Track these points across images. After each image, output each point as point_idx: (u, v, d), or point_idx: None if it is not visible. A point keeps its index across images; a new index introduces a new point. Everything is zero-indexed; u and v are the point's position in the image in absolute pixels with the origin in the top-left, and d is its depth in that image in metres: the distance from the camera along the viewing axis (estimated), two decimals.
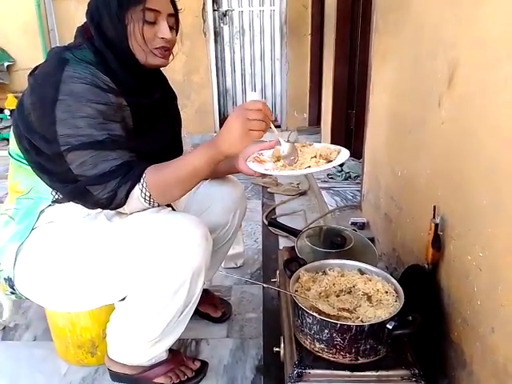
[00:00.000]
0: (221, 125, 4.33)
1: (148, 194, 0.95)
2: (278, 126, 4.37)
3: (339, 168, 2.46)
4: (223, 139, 0.95)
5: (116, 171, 0.93)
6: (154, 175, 0.96)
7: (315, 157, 1.02)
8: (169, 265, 0.95)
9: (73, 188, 0.96)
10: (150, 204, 0.98)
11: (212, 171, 1.03)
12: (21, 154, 1.01)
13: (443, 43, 1.02)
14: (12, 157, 1.05)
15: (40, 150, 0.96)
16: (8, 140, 3.80)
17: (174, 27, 1.04)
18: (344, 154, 1.04)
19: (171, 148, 1.15)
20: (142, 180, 0.95)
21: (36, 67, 1.01)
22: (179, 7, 1.05)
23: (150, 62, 1.01)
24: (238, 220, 1.37)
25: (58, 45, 4.04)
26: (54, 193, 1.03)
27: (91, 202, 0.97)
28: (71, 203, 1.03)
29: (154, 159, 0.99)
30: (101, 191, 0.94)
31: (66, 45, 1.02)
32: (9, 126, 4.03)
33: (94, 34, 0.97)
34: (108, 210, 1.03)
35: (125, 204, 0.96)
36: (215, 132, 4.30)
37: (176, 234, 0.96)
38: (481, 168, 0.86)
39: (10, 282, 1.06)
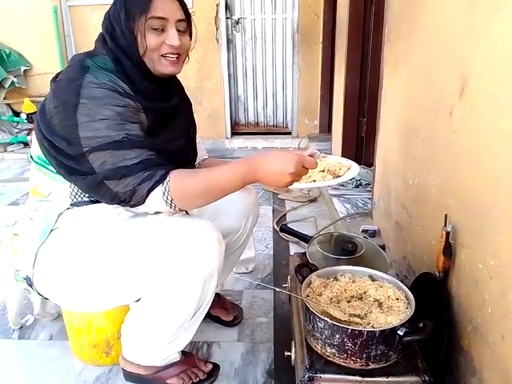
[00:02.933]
0: (232, 131, 4.37)
1: (170, 197, 0.94)
2: (288, 133, 4.40)
3: None
4: (266, 174, 0.92)
5: (135, 169, 0.93)
6: (179, 181, 0.94)
7: (323, 171, 1.03)
8: (182, 268, 0.98)
9: (91, 179, 0.96)
10: (170, 207, 0.96)
11: None
12: (42, 157, 1.04)
13: (454, 55, 1.04)
14: (34, 160, 1.09)
15: (61, 149, 0.98)
16: (24, 143, 3.86)
17: (187, 32, 1.05)
18: (352, 171, 1.06)
19: (186, 149, 1.17)
20: (165, 183, 0.93)
21: (58, 73, 1.04)
22: (191, 11, 1.06)
23: (159, 70, 1.03)
24: (250, 226, 1.40)
25: (73, 50, 4.13)
26: (72, 196, 1.05)
27: (108, 196, 0.97)
28: (89, 206, 1.06)
29: (170, 158, 1.00)
30: (115, 186, 0.94)
31: (86, 52, 1.05)
32: (25, 129, 4.10)
33: (110, 44, 1.01)
34: (125, 213, 1.06)
35: (144, 202, 0.96)
36: (227, 138, 4.33)
37: (190, 237, 0.98)
38: (491, 178, 0.87)
39: (28, 281, 1.09)
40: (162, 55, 1.01)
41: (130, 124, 0.96)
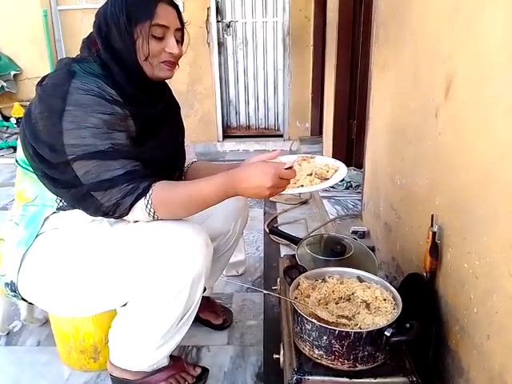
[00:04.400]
0: (224, 134, 4.37)
1: (152, 210, 0.96)
2: (280, 136, 4.40)
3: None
4: (245, 188, 0.93)
5: (119, 181, 0.94)
6: (162, 193, 0.96)
7: (310, 174, 1.03)
8: (169, 270, 0.97)
9: (75, 192, 0.96)
10: (153, 218, 0.98)
11: None
12: (27, 162, 1.04)
13: (440, 55, 1.05)
14: (19, 164, 1.08)
15: (43, 158, 0.98)
16: (14, 148, 3.86)
17: (180, 40, 1.07)
18: (340, 174, 1.05)
19: (175, 155, 1.17)
20: (147, 196, 0.95)
21: (44, 77, 1.03)
22: (185, 20, 1.08)
23: (157, 75, 1.03)
24: (239, 228, 1.40)
25: (63, 54, 4.11)
26: (58, 200, 1.05)
27: (93, 208, 0.98)
28: (75, 210, 1.05)
29: (158, 166, 1.01)
30: (102, 198, 0.95)
31: (74, 57, 1.05)
32: (15, 134, 4.07)
33: (101, 46, 1.00)
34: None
35: (128, 215, 0.98)
36: (218, 141, 4.33)
37: (177, 240, 0.98)
38: (476, 178, 0.88)
39: (13, 286, 1.08)
40: (160, 61, 1.02)
41: (117, 133, 0.96)
